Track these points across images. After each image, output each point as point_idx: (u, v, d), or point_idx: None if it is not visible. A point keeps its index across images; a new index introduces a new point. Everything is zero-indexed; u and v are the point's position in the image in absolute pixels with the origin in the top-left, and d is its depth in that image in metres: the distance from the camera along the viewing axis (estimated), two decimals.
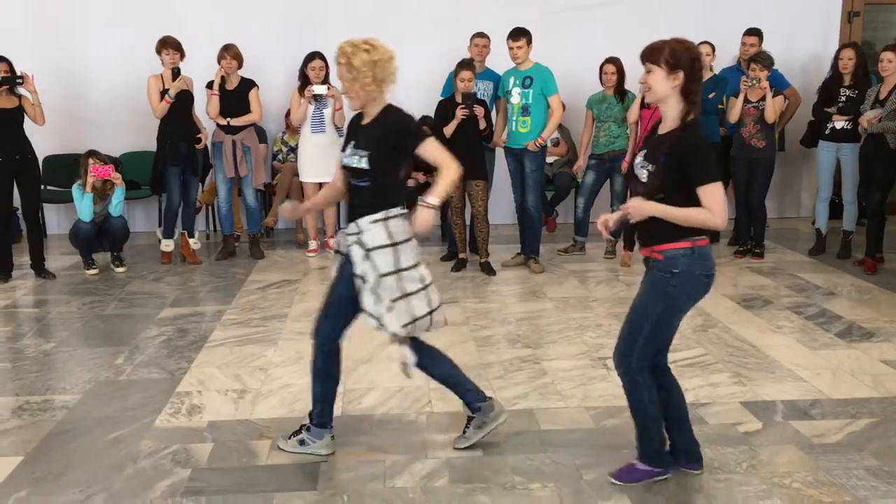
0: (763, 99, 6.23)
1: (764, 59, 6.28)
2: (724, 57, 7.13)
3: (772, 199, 6.85)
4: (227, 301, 5.53)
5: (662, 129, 2.87)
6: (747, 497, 2.98)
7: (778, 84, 6.58)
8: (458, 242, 6.37)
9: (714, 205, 2.72)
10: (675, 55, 2.73)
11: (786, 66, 7.17)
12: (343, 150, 3.24)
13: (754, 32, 6.90)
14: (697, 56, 2.77)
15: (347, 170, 3.18)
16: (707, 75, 6.48)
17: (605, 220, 2.95)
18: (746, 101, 6.29)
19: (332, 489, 3.06)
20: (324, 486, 3.08)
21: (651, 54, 2.77)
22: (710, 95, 6.35)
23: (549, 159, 7.07)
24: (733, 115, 6.36)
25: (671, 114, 2.82)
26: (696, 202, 2.76)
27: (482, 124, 5.97)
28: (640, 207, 2.81)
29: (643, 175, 2.84)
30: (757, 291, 5.66)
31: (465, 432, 3.36)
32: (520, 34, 6.00)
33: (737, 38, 7.03)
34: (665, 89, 2.77)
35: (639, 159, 2.89)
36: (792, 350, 4.51)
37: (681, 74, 2.74)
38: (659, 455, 3.05)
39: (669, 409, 3.05)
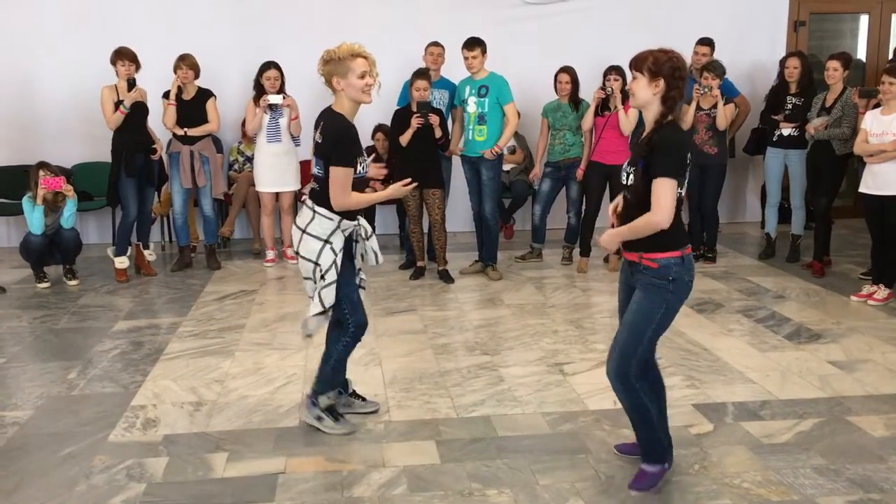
0: (715, 106, 6.37)
1: (716, 68, 6.42)
2: (682, 73, 7.26)
3: (721, 205, 6.98)
4: (184, 313, 5.48)
5: (644, 134, 2.97)
6: (699, 497, 3.05)
7: (728, 92, 6.73)
8: (416, 250, 6.40)
9: (660, 200, 2.80)
10: (657, 64, 2.85)
11: (733, 74, 7.32)
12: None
13: (706, 42, 7.05)
14: (679, 66, 2.87)
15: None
16: None
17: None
18: (699, 108, 6.43)
19: (291, 500, 3.05)
20: (282, 497, 3.07)
21: (636, 62, 2.90)
22: None
23: (506, 167, 7.13)
24: (686, 122, 6.47)
25: (650, 117, 2.93)
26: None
27: (438, 133, 6.01)
28: (608, 240, 2.97)
29: (624, 177, 2.96)
30: (709, 295, 5.77)
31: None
32: (475, 44, 6.06)
33: (689, 47, 7.17)
34: (646, 96, 2.88)
35: (625, 164, 3.01)
36: (742, 352, 4.61)
37: (661, 82, 2.85)
38: (665, 451, 3.12)
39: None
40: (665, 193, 2.79)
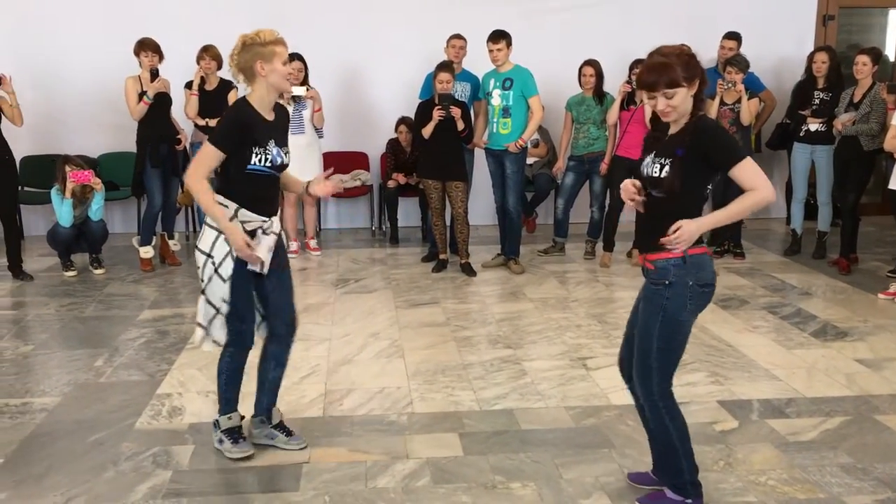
0: (739, 101, 6.32)
1: (739, 63, 6.36)
2: (701, 59, 7.19)
3: None
4: None
5: (673, 130, 2.75)
6: (724, 494, 3.03)
7: (754, 87, 6.66)
8: (439, 243, 6.40)
9: (755, 179, 2.62)
10: (689, 68, 2.64)
11: (760, 68, 7.26)
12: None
13: (733, 36, 6.98)
14: (692, 53, 2.72)
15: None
16: None
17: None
18: (723, 103, 6.37)
19: (315, 490, 3.07)
20: (306, 487, 3.09)
21: (665, 80, 2.62)
22: None
23: (530, 160, 7.11)
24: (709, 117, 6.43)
25: (681, 120, 2.71)
26: (698, 203, 2.71)
27: (460, 125, 6.00)
28: (689, 230, 2.61)
29: (655, 170, 2.70)
30: (733, 291, 5.73)
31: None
32: (500, 36, 6.04)
33: (714, 41, 7.11)
34: (689, 103, 2.68)
35: (648, 159, 2.76)
36: (768, 349, 4.57)
37: (696, 81, 2.67)
38: (689, 487, 2.87)
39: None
40: (755, 171, 2.63)
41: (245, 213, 3.13)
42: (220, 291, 3.13)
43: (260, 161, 3.10)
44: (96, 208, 6.21)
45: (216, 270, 3.11)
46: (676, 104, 2.65)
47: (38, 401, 3.90)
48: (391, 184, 7.35)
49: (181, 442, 3.45)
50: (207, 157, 3.07)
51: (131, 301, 5.58)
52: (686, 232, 2.60)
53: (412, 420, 3.68)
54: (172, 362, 4.39)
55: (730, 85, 6.28)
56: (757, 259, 6.70)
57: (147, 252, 6.43)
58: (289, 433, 3.43)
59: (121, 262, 6.63)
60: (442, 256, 6.41)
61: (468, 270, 6.24)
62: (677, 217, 2.64)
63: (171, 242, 6.66)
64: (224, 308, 3.14)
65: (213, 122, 6.39)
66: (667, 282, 2.70)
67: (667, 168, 2.67)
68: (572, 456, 3.32)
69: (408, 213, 7.80)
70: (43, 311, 5.35)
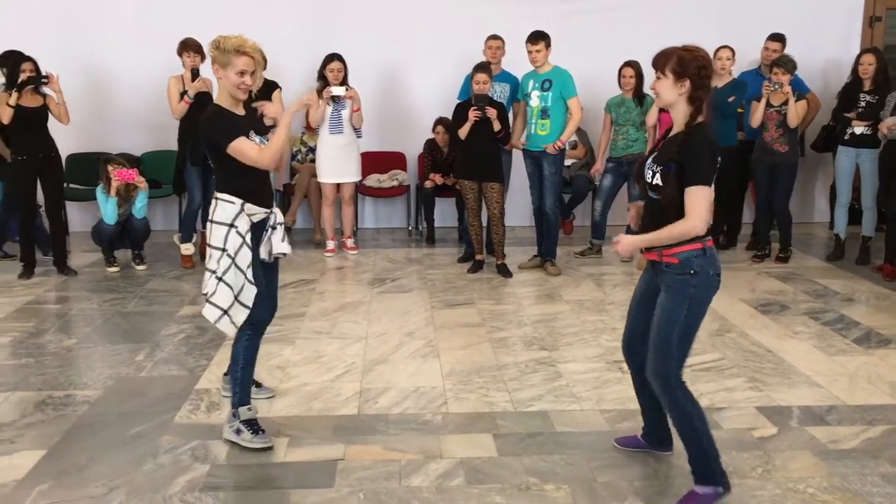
0: (785, 103, 6.22)
1: (787, 64, 6.26)
2: (743, 60, 7.11)
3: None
4: None
5: (673, 133, 2.90)
6: (762, 501, 2.99)
7: (798, 88, 6.56)
8: (475, 244, 6.40)
9: (694, 207, 2.73)
10: (682, 63, 2.76)
11: (805, 70, 7.14)
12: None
13: (778, 38, 6.87)
14: (705, 64, 2.78)
15: None
16: (727, 79, 6.48)
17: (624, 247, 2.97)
18: (769, 105, 6.28)
19: (349, 487, 3.09)
20: (341, 483, 3.12)
21: (659, 61, 2.82)
22: (730, 99, 6.35)
23: (567, 162, 7.08)
24: (755, 119, 6.35)
25: (679, 118, 2.86)
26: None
27: (496, 126, 5.99)
28: (626, 246, 2.92)
29: (649, 175, 2.88)
30: (774, 296, 5.64)
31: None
32: (538, 37, 6.02)
33: (758, 42, 7.02)
34: (672, 96, 2.81)
35: (648, 161, 2.93)
36: (808, 356, 4.50)
37: (687, 82, 2.77)
38: (717, 474, 2.90)
39: (653, 399, 3.09)
40: (701, 201, 2.73)
41: (250, 207, 3.31)
42: (239, 279, 3.28)
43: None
44: (140, 206, 6.33)
45: (234, 261, 3.27)
46: (658, 90, 2.84)
47: (81, 393, 3.98)
48: (428, 184, 7.37)
49: (219, 436, 3.50)
50: (245, 147, 3.25)
51: (172, 297, 5.67)
52: (623, 244, 2.92)
53: (447, 420, 3.69)
54: (211, 358, 4.45)
55: (776, 86, 6.18)
56: (799, 264, 6.59)
57: (187, 249, 6.53)
58: (258, 385, 3.87)
59: (162, 259, 6.74)
60: (478, 257, 6.41)
61: (504, 271, 6.23)
62: (677, 218, 2.78)
63: None
64: (244, 292, 3.30)
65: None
66: (692, 271, 2.80)
67: (658, 176, 2.82)
68: (607, 459, 3.30)
69: (444, 213, 7.81)
70: (86, 306, 5.46)
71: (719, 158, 2.84)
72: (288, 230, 7.51)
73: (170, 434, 3.53)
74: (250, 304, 3.33)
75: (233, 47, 3.24)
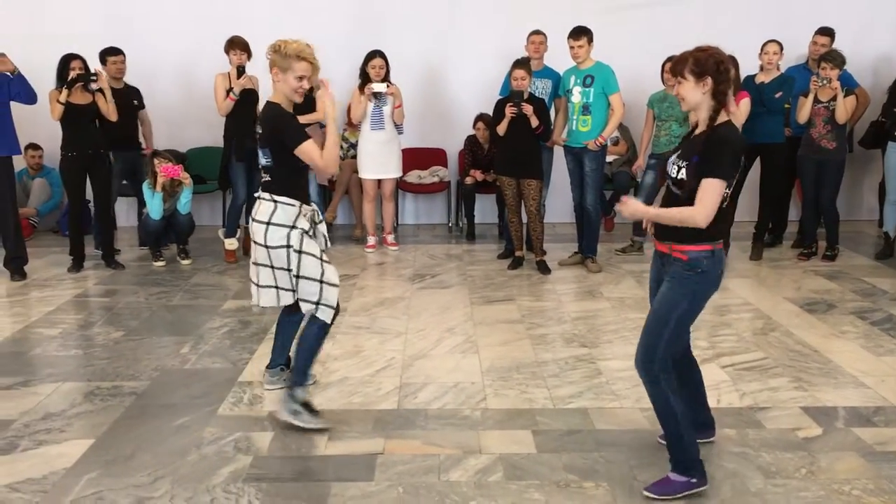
0: (833, 99, 6.09)
1: (835, 58, 6.12)
2: (791, 55, 6.98)
3: (837, 201, 6.68)
4: None
5: (698, 131, 2.96)
6: (805, 503, 2.94)
7: (847, 84, 6.42)
8: (515, 240, 6.39)
9: (705, 199, 2.78)
10: (699, 63, 2.83)
11: (855, 66, 6.98)
12: None
13: (826, 32, 6.73)
14: (721, 59, 2.84)
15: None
16: (774, 74, 6.36)
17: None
18: (816, 100, 6.16)
19: (389, 481, 3.12)
20: (380, 477, 3.14)
21: (677, 66, 2.89)
22: (777, 95, 6.24)
23: (609, 158, 7.02)
24: (803, 115, 6.23)
25: (703, 115, 2.91)
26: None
27: (534, 122, 5.96)
28: (632, 210, 3.03)
29: (673, 171, 2.94)
30: (820, 295, 5.54)
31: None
32: (581, 33, 5.98)
33: (805, 37, 6.88)
34: (696, 97, 2.87)
35: (673, 157, 2.99)
36: (855, 356, 4.41)
37: (709, 80, 2.83)
38: (695, 464, 2.98)
39: (688, 387, 3.16)
40: (712, 194, 2.78)
41: (305, 207, 3.47)
42: (316, 268, 3.42)
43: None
44: (185, 202, 6.44)
45: (301, 254, 3.39)
46: (682, 94, 2.89)
47: (128, 384, 4.07)
48: (468, 180, 7.37)
49: (261, 429, 3.55)
50: (311, 149, 3.39)
51: (216, 291, 5.76)
52: (629, 206, 3.02)
53: (486, 415, 3.69)
54: (253, 352, 4.51)
55: (824, 81, 6.06)
56: (846, 262, 6.46)
57: (232, 244, 6.63)
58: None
59: (207, 254, 6.85)
60: (518, 253, 6.40)
61: (543, 268, 6.21)
62: None
63: None
64: (325, 272, 3.43)
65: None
66: (700, 270, 2.89)
67: (683, 171, 2.88)
68: (647, 458, 3.27)
69: (484, 209, 7.81)
70: (133, 300, 5.58)
71: (742, 159, 2.90)
72: (329, 226, 7.67)
73: (213, 426, 3.59)
74: (336, 281, 3.48)
75: (294, 53, 3.34)
